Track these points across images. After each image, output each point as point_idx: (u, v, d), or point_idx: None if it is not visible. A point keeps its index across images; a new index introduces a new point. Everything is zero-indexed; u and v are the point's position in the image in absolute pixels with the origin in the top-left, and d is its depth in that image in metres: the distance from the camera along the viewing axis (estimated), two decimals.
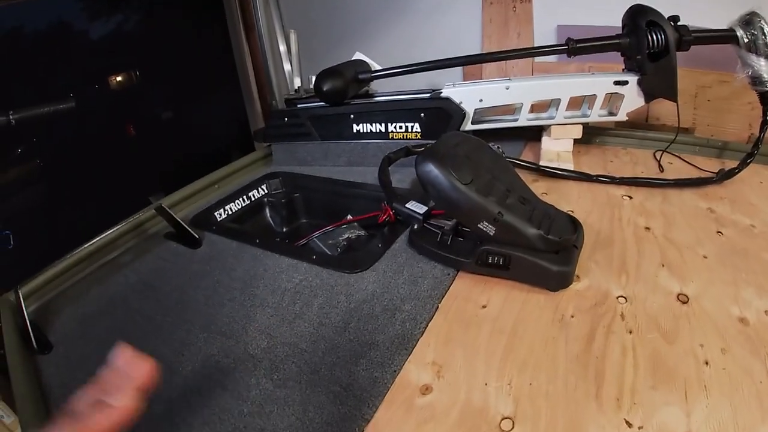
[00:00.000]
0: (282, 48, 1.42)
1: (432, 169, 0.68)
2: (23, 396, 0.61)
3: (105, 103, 1.51)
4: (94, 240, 0.92)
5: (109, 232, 0.95)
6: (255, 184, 1.16)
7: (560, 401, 0.52)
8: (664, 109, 1.09)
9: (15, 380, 0.64)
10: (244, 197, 1.13)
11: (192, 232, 0.92)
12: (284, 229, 1.19)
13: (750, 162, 1.00)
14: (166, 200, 1.03)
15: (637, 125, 1.23)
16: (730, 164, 1.04)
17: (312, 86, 1.29)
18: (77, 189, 1.43)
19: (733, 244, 0.80)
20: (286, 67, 1.41)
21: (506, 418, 0.51)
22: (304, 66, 1.38)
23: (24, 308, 0.75)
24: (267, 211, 1.18)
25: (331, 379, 0.56)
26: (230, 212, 1.08)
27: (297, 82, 1.36)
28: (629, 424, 0.49)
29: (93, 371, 0.63)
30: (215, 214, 1.05)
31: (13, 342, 0.71)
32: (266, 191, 1.18)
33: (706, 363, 0.56)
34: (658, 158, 1.13)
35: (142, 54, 1.59)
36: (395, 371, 0.57)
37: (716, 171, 1.02)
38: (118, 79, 1.55)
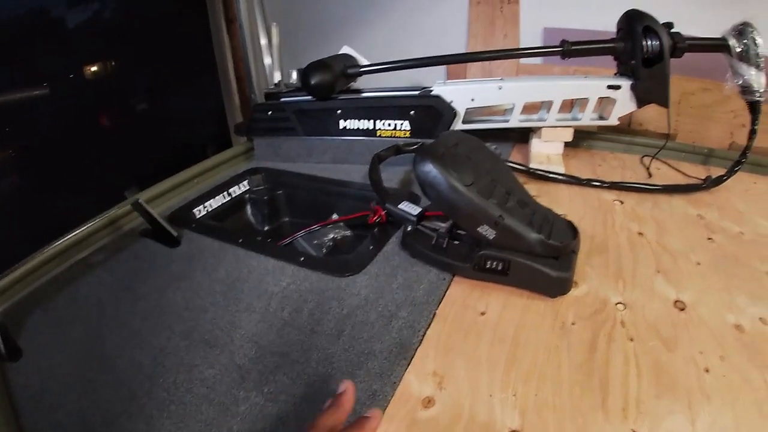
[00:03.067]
0: (263, 41, 1.38)
1: (432, 169, 0.66)
2: None
3: (79, 92, 1.44)
4: (66, 237, 0.87)
5: (82, 229, 0.89)
6: (236, 180, 1.11)
7: (567, 412, 0.51)
8: (647, 114, 1.10)
9: None
10: (225, 193, 1.08)
11: (170, 229, 0.87)
12: (266, 228, 1.15)
13: (738, 170, 1.02)
14: (142, 195, 0.97)
15: (623, 130, 1.24)
16: (716, 171, 1.06)
17: (292, 81, 1.25)
18: (48, 182, 1.36)
19: (724, 251, 0.80)
20: (267, 60, 1.37)
21: (514, 431, 0.49)
22: (285, 61, 1.35)
23: None
24: (248, 208, 1.14)
25: (327, 393, 0.52)
26: (210, 209, 1.03)
27: (277, 76, 1.32)
28: None
29: (67, 382, 0.59)
30: (194, 210, 1.00)
31: None
32: (248, 188, 1.13)
33: (707, 370, 0.56)
34: (647, 164, 1.14)
35: (120, 43, 1.53)
36: (395, 383, 0.54)
37: (702, 177, 1.03)
38: (93, 69, 1.48)
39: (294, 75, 1.27)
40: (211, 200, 1.04)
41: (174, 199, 1.05)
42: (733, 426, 0.49)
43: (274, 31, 1.31)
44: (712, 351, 0.59)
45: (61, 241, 0.86)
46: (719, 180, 1.02)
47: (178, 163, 1.13)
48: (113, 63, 1.53)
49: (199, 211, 1.01)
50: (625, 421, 0.50)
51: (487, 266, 0.69)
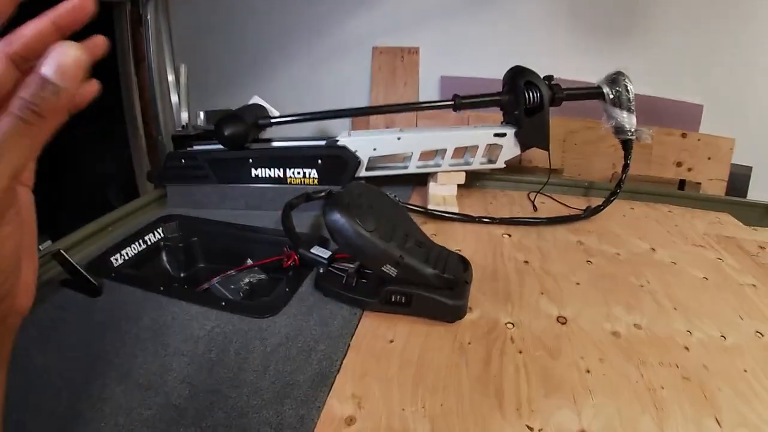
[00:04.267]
0: (171, 79, 1.40)
1: (339, 218, 0.75)
2: None
3: None
4: None
5: None
6: (151, 227, 1.13)
7: (470, 417, 0.61)
8: (536, 153, 1.26)
9: None
10: (140, 241, 1.09)
11: (92, 279, 0.88)
12: (182, 274, 1.17)
13: (614, 199, 1.19)
14: (58, 245, 0.98)
15: (513, 169, 1.40)
16: (596, 201, 1.23)
17: (200, 122, 1.30)
18: None
19: (602, 271, 0.95)
20: (174, 99, 1.39)
21: None
22: (192, 102, 1.38)
23: None
24: (164, 255, 1.16)
25: (260, 421, 0.60)
26: (127, 257, 1.05)
27: (184, 117, 1.35)
28: (530, 429, 0.59)
29: None
30: (111, 259, 1.01)
31: None
32: (162, 235, 1.15)
33: (588, 371, 0.68)
34: (532, 199, 1.29)
35: None
36: (319, 407, 0.62)
37: (584, 208, 1.20)
38: None
39: (202, 116, 1.31)
40: (128, 248, 1.05)
41: (90, 247, 1.05)
42: (616, 414, 0.61)
43: (183, 70, 1.34)
44: (592, 355, 0.72)
45: None
46: (597, 209, 1.19)
47: (87, 209, 1.12)
48: None
49: (116, 260, 1.02)
50: (520, 419, 0.60)
51: (392, 300, 0.80)
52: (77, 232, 1.05)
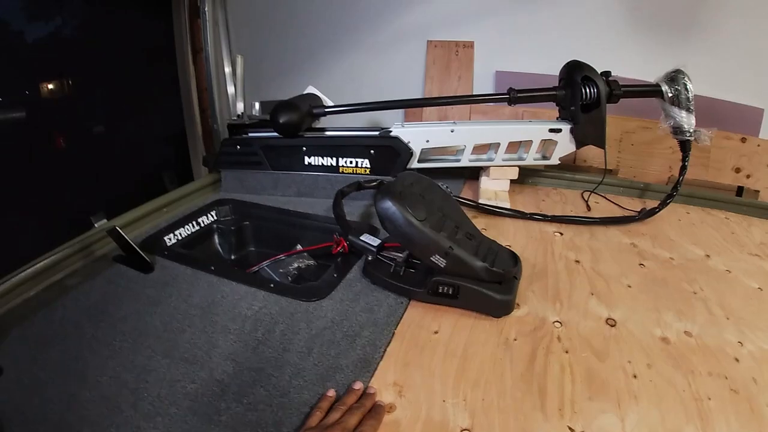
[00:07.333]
0: (227, 70, 1.43)
1: (390, 206, 0.74)
2: None
3: (38, 113, 1.44)
4: (39, 260, 0.89)
5: (55, 252, 0.92)
6: (204, 210, 1.17)
7: (510, 413, 0.59)
8: (590, 152, 1.22)
9: None
10: (194, 223, 1.13)
11: (144, 256, 0.91)
12: (232, 257, 1.20)
13: (669, 202, 1.14)
14: (114, 222, 1.01)
15: (567, 167, 1.36)
16: (651, 203, 1.18)
17: (255, 112, 1.32)
18: (7, 205, 1.35)
19: (654, 275, 0.91)
20: (230, 90, 1.42)
21: (465, 429, 0.56)
22: (247, 92, 1.40)
23: None
24: (216, 237, 1.19)
25: (300, 401, 0.60)
26: (180, 237, 1.08)
27: (240, 108, 1.37)
28: (572, 430, 0.56)
29: (51, 398, 0.63)
30: (165, 238, 1.04)
31: None
32: (215, 218, 1.18)
33: (635, 376, 0.65)
34: (586, 198, 1.25)
35: (82, 66, 1.54)
36: None
37: (638, 210, 1.15)
38: (50, 86, 1.49)
39: (257, 106, 1.33)
40: (181, 229, 1.09)
41: (143, 227, 1.09)
42: (659, 422, 0.58)
43: (239, 62, 1.37)
44: (640, 360, 0.68)
45: (36, 263, 0.89)
46: (652, 212, 1.14)
47: (139, 190, 1.16)
48: (71, 83, 1.52)
49: (170, 239, 1.05)
50: (562, 420, 0.58)
51: (439, 291, 0.78)
52: (132, 211, 1.09)
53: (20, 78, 1.39)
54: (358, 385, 0.62)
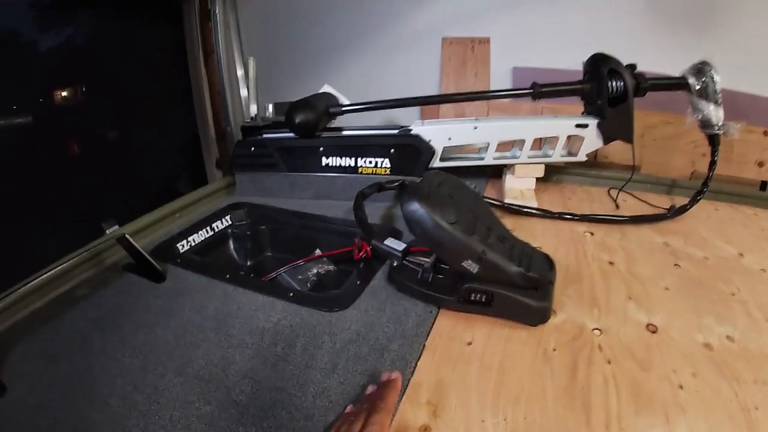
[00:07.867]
0: (240, 73, 1.41)
1: (418, 209, 0.68)
2: None
3: (51, 120, 1.42)
4: (47, 270, 0.86)
5: (64, 262, 0.88)
6: (218, 215, 1.12)
7: None
8: (612, 148, 1.16)
9: None
10: (208, 228, 1.09)
11: (156, 265, 0.87)
12: (248, 263, 1.15)
13: (700, 199, 1.09)
14: (124, 229, 0.97)
15: (590, 163, 1.30)
16: (679, 200, 1.13)
17: (268, 114, 1.28)
18: (21, 212, 1.32)
19: (690, 276, 0.86)
20: (243, 92, 1.40)
21: None
22: (260, 94, 1.37)
23: None
24: (231, 242, 1.15)
25: (326, 424, 0.55)
26: (193, 243, 1.04)
27: (253, 110, 1.34)
28: None
29: (59, 419, 0.58)
30: (177, 245, 1.00)
31: None
32: (230, 222, 1.14)
33: (681, 387, 0.61)
34: (614, 196, 1.20)
35: (95, 72, 1.52)
36: (392, 413, 0.56)
37: (667, 207, 1.10)
38: (64, 94, 1.47)
39: (270, 108, 1.29)
40: (194, 235, 1.05)
41: (156, 233, 1.05)
42: None
43: (251, 64, 1.34)
44: (685, 369, 0.63)
45: (43, 273, 0.85)
46: (683, 209, 1.08)
47: (155, 195, 1.13)
48: (84, 90, 1.51)
49: (182, 246, 1.01)
50: None
51: (472, 298, 0.72)
52: (144, 218, 1.05)
53: (33, 86, 1.38)
54: (370, 389, 0.58)
